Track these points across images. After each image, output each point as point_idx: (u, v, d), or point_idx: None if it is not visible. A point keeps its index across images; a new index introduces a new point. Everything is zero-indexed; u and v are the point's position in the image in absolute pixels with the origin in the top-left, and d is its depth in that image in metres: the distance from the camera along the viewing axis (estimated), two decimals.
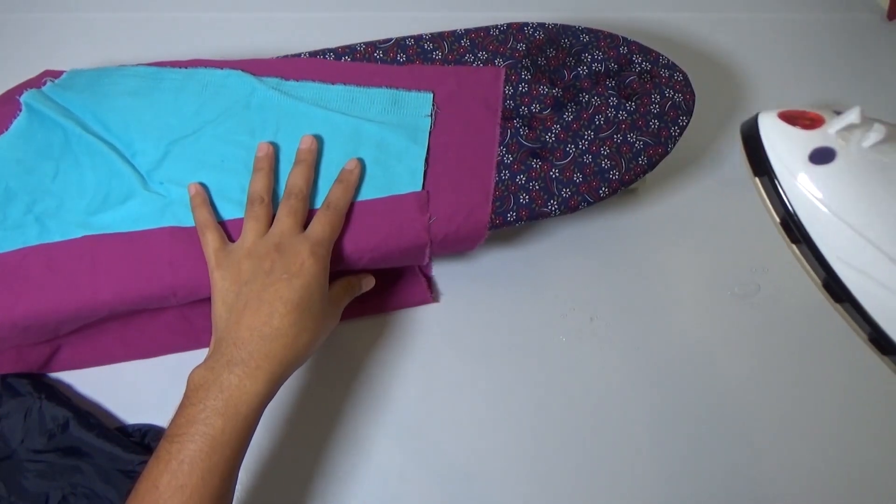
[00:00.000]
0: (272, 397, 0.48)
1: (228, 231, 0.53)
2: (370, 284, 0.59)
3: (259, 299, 0.48)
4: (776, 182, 0.28)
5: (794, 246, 0.29)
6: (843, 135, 0.27)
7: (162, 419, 0.60)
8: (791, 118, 0.28)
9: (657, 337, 0.65)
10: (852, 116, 0.26)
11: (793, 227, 0.28)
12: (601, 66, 0.62)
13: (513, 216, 0.57)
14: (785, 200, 0.28)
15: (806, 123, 0.28)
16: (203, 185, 0.55)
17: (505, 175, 0.57)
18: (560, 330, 0.65)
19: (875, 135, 0.26)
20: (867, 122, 0.27)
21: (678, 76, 0.62)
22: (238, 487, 0.49)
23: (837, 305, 0.29)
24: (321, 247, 0.50)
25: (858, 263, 0.26)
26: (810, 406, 0.63)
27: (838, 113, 0.28)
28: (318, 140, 0.56)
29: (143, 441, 0.59)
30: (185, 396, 0.46)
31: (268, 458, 0.59)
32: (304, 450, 0.60)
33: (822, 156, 0.26)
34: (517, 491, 0.59)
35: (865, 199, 0.25)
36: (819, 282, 0.29)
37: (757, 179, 0.29)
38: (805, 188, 0.27)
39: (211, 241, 0.51)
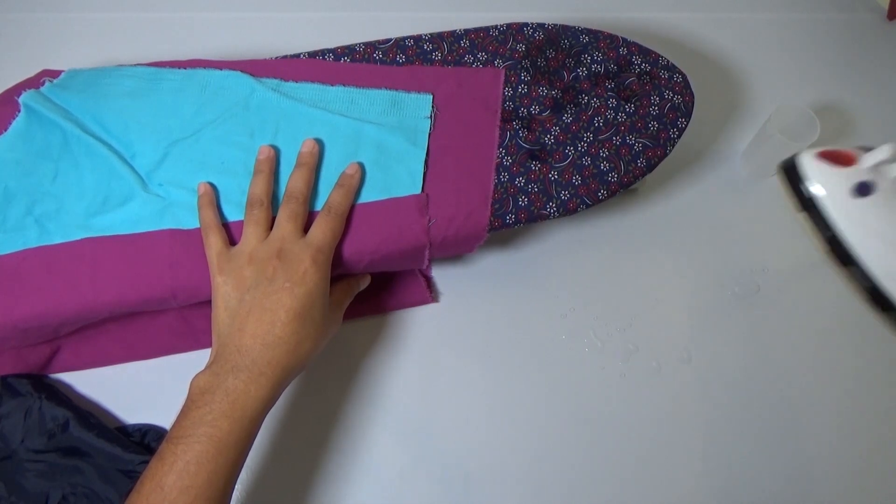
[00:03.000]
0: (275, 402, 0.49)
1: (229, 232, 0.53)
2: (366, 282, 0.60)
3: (262, 307, 0.48)
4: (824, 214, 0.32)
5: (843, 268, 0.33)
6: (878, 168, 0.31)
7: (162, 419, 0.60)
8: (828, 157, 0.32)
9: (657, 336, 0.65)
10: (885, 152, 0.30)
11: (841, 252, 0.32)
12: (601, 68, 0.62)
13: (512, 218, 0.57)
14: (834, 229, 0.32)
15: (842, 161, 0.32)
16: (212, 186, 0.55)
17: (504, 177, 0.57)
18: (560, 330, 0.65)
19: None
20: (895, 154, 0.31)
21: (678, 77, 0.62)
22: (238, 487, 0.49)
23: (883, 314, 0.33)
24: (322, 253, 0.51)
25: None
26: (810, 403, 0.63)
27: (866, 149, 0.32)
28: (319, 143, 0.56)
29: (143, 441, 0.59)
30: (190, 399, 0.46)
31: (268, 457, 0.60)
32: (304, 449, 0.60)
33: (863, 189, 0.31)
34: (517, 490, 0.60)
35: None
36: (867, 295, 0.33)
37: (803, 213, 0.33)
38: (852, 218, 0.31)
39: (213, 243, 0.51)
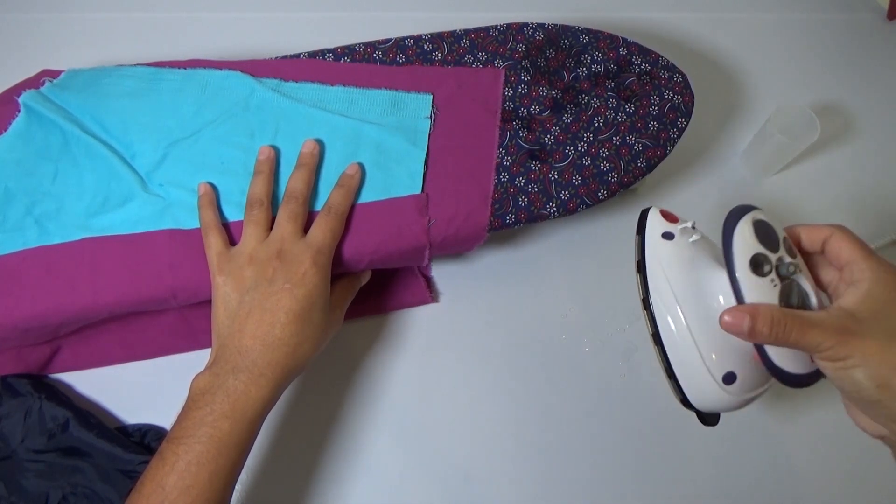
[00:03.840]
0: (275, 402, 0.49)
1: (229, 233, 0.53)
2: (367, 277, 0.60)
3: (262, 308, 0.48)
4: (644, 241, 0.46)
5: (637, 275, 0.46)
6: (683, 230, 0.46)
7: (162, 419, 0.60)
8: (665, 214, 0.47)
9: None
10: (688, 224, 0.46)
11: (641, 266, 0.46)
12: (601, 68, 0.62)
13: (512, 218, 0.57)
14: (644, 250, 0.46)
15: (670, 219, 0.47)
16: (212, 186, 0.55)
17: (504, 177, 0.57)
18: (560, 330, 0.65)
19: (695, 237, 0.45)
20: (696, 231, 0.46)
21: (677, 77, 0.62)
22: (238, 487, 0.49)
23: (645, 312, 0.46)
24: (322, 255, 0.51)
25: (663, 297, 0.45)
26: (810, 402, 0.63)
27: (691, 225, 0.47)
28: (319, 144, 0.56)
29: (143, 441, 0.59)
30: (191, 400, 0.46)
31: (268, 457, 0.60)
32: (304, 449, 0.60)
33: (667, 237, 0.46)
34: (517, 490, 0.60)
35: (677, 265, 0.45)
36: (641, 297, 0.46)
37: (636, 236, 0.47)
38: (654, 250, 0.46)
39: (213, 243, 0.51)
